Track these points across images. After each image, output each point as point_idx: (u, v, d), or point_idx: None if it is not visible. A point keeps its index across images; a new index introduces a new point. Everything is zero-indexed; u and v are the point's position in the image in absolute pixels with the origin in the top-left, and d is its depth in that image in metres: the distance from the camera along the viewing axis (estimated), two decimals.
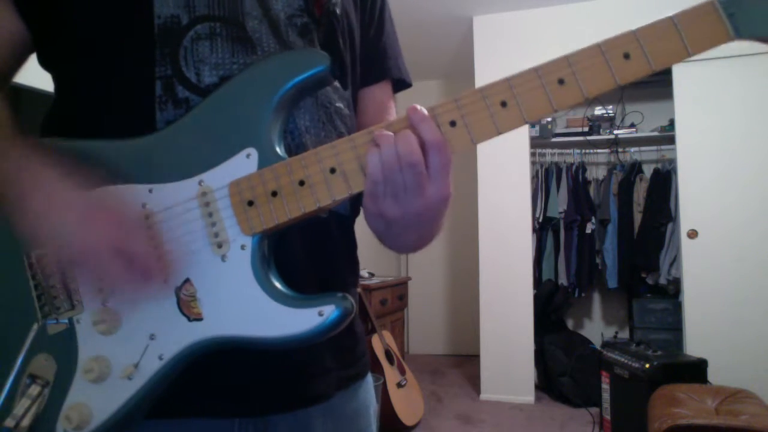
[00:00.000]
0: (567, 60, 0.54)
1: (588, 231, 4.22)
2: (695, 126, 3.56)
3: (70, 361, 0.55)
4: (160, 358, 0.54)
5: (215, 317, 0.54)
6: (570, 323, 4.70)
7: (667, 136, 4.03)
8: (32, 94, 1.34)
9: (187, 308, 0.54)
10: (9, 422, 0.52)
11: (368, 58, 0.79)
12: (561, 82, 0.54)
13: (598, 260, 4.25)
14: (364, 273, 3.93)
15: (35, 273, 0.56)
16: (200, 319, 0.54)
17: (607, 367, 3.08)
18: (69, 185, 0.54)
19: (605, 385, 3.11)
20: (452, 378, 4.61)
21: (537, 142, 4.21)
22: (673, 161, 3.87)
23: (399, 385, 3.26)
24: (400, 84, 0.84)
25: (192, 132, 0.58)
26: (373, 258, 4.62)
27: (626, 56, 0.53)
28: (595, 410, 3.44)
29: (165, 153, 0.57)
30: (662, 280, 3.96)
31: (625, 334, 4.47)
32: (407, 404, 3.30)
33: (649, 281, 4.09)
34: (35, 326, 0.56)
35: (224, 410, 0.61)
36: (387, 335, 3.45)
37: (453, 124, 0.54)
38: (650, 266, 3.99)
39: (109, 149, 0.58)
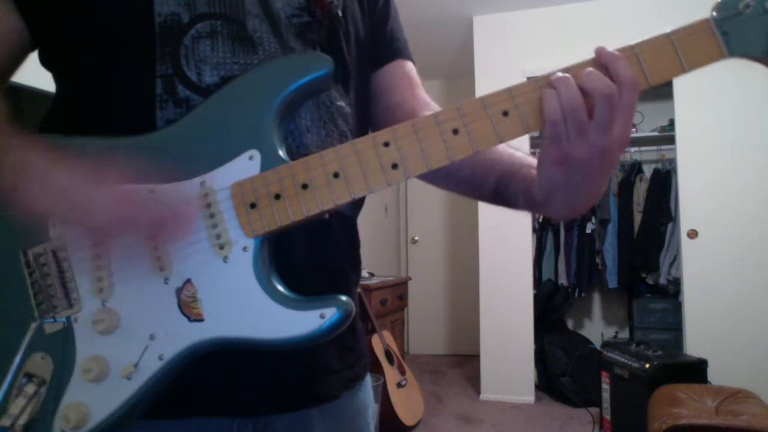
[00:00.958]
0: (565, 69, 0.54)
1: (588, 231, 4.22)
2: (695, 126, 3.57)
3: (67, 361, 0.54)
4: (160, 359, 0.54)
5: (216, 318, 0.54)
6: (570, 323, 4.70)
7: (667, 136, 4.03)
8: (32, 94, 1.34)
9: (188, 309, 0.54)
10: (5, 421, 0.52)
11: (376, 43, 0.80)
12: None
13: (598, 260, 4.25)
14: (364, 273, 3.92)
15: (32, 271, 0.56)
16: (201, 320, 0.54)
17: (607, 367, 3.08)
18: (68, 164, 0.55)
19: (605, 385, 3.11)
20: (452, 378, 4.61)
21: (537, 142, 4.22)
22: (673, 161, 3.87)
23: (399, 385, 3.26)
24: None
25: (194, 132, 0.58)
26: (373, 258, 4.63)
27: None
28: (595, 410, 3.44)
29: (166, 153, 0.57)
30: (662, 280, 3.96)
31: (625, 334, 4.48)
32: (407, 404, 3.30)
33: (649, 281, 4.09)
34: (33, 325, 0.55)
35: (224, 410, 0.61)
36: (387, 335, 3.45)
37: (456, 131, 0.55)
38: (650, 266, 3.99)
39: (108, 147, 0.58)
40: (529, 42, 4.00)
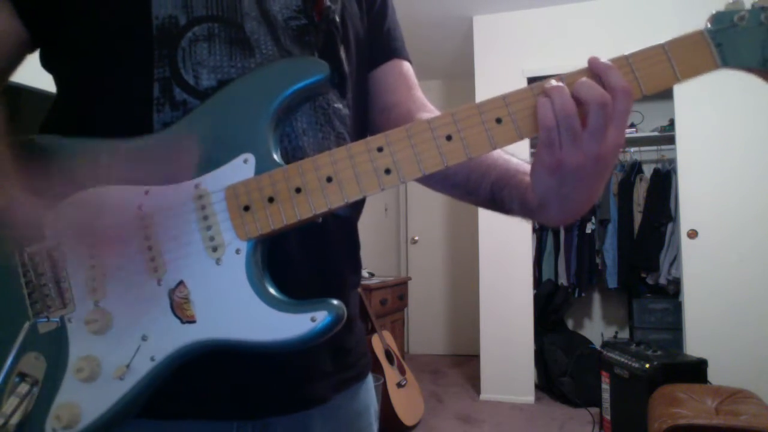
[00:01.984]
0: (560, 77, 0.55)
1: (588, 231, 4.22)
2: (695, 126, 3.57)
3: (60, 360, 0.55)
4: (152, 360, 0.54)
5: (208, 320, 0.54)
6: (570, 323, 4.70)
7: (667, 136, 4.03)
8: (32, 94, 1.35)
9: (180, 310, 0.54)
10: None
11: (374, 41, 0.80)
12: None
13: (598, 260, 4.25)
14: (364, 273, 3.93)
15: (27, 270, 0.56)
16: (193, 322, 0.54)
17: (607, 367, 3.08)
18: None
19: (605, 385, 3.11)
20: (452, 378, 4.61)
21: (537, 142, 4.21)
22: (673, 161, 3.87)
23: (399, 385, 3.27)
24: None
25: (189, 135, 0.58)
26: (373, 258, 4.63)
27: None
28: (595, 410, 3.44)
29: (162, 155, 0.58)
30: (662, 280, 3.96)
31: (625, 334, 4.48)
32: (407, 404, 3.31)
33: (649, 281, 4.08)
34: (26, 324, 0.56)
35: (223, 413, 0.61)
36: (387, 335, 3.45)
37: (449, 138, 0.55)
38: (650, 266, 3.99)
39: (106, 149, 0.58)
40: (529, 42, 4.00)
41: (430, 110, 0.78)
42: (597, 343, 4.13)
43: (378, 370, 3.15)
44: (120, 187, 0.57)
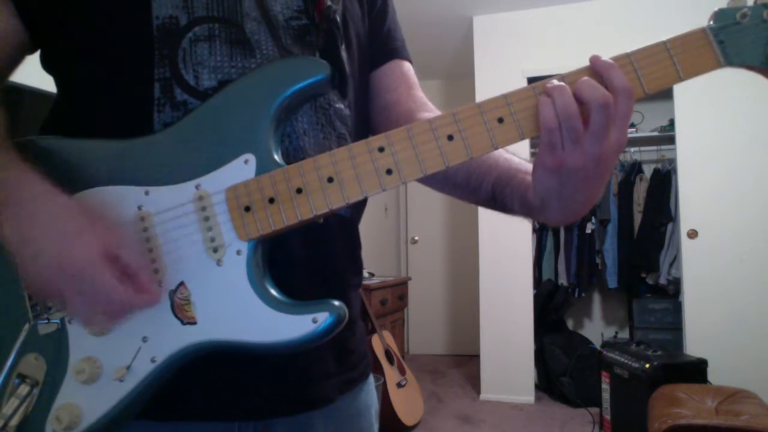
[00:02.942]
0: (562, 77, 0.55)
1: (588, 231, 4.22)
2: (695, 126, 3.56)
3: (60, 362, 0.55)
4: (153, 361, 0.54)
5: (209, 321, 0.54)
6: (570, 323, 4.70)
7: (667, 136, 4.03)
8: (32, 94, 1.34)
9: (181, 312, 0.54)
10: None
11: (375, 41, 0.80)
12: None
13: (598, 260, 4.25)
14: (364, 273, 3.92)
15: None
16: (194, 323, 0.54)
17: (607, 367, 3.08)
18: (53, 195, 0.54)
19: (605, 385, 3.11)
20: (452, 378, 4.61)
21: (537, 142, 4.20)
22: (673, 161, 3.87)
23: (399, 385, 3.27)
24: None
25: (190, 135, 0.58)
26: (373, 258, 4.63)
27: None
28: (595, 410, 3.44)
29: (162, 155, 0.57)
30: (662, 280, 3.96)
31: (625, 334, 4.47)
32: (407, 404, 3.31)
33: (649, 281, 4.08)
34: (26, 326, 0.56)
35: (224, 413, 0.61)
36: (387, 335, 3.45)
37: (450, 138, 0.55)
38: (650, 266, 3.99)
39: (106, 149, 0.58)
40: (529, 42, 3.99)
41: (430, 110, 0.78)
42: (597, 343, 4.12)
43: (378, 370, 3.15)
44: (120, 187, 0.57)
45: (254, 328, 0.54)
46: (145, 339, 0.54)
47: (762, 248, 3.39)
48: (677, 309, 3.80)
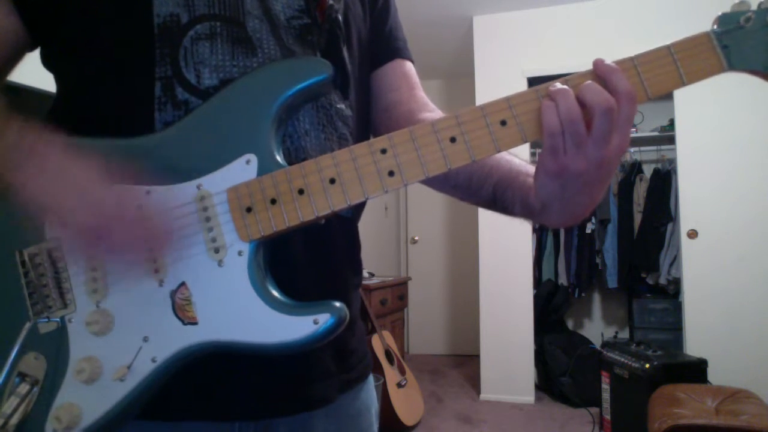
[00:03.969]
0: (565, 80, 0.55)
1: (588, 231, 4.22)
2: (695, 126, 3.56)
3: (60, 361, 0.54)
4: (153, 361, 0.54)
5: (210, 322, 0.54)
6: (570, 323, 4.70)
7: (667, 136, 4.03)
8: (32, 94, 1.34)
9: (182, 312, 0.54)
10: None
11: (376, 41, 0.80)
12: None
13: (598, 260, 4.25)
14: (364, 273, 3.92)
15: (27, 270, 0.56)
16: (195, 323, 0.54)
17: (607, 367, 3.08)
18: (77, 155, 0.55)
19: (605, 385, 3.11)
20: (452, 378, 4.61)
21: (537, 143, 4.20)
22: (673, 161, 3.87)
23: (399, 385, 3.26)
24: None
25: (191, 135, 0.58)
26: (373, 258, 4.63)
27: None
28: (595, 410, 3.44)
29: (163, 155, 0.57)
30: (662, 280, 3.96)
31: (625, 334, 4.47)
32: (407, 404, 3.31)
33: (649, 281, 4.09)
34: (27, 325, 0.55)
35: (224, 413, 0.61)
36: (387, 335, 3.45)
37: (453, 140, 0.54)
38: (650, 266, 3.99)
39: (107, 148, 0.58)
40: (529, 42, 3.99)
41: (432, 110, 0.78)
42: (597, 343, 4.13)
43: (378, 370, 3.15)
44: (121, 186, 0.56)
45: (255, 328, 0.53)
46: (145, 339, 0.54)
47: (762, 248, 3.39)
48: (677, 309, 3.80)
